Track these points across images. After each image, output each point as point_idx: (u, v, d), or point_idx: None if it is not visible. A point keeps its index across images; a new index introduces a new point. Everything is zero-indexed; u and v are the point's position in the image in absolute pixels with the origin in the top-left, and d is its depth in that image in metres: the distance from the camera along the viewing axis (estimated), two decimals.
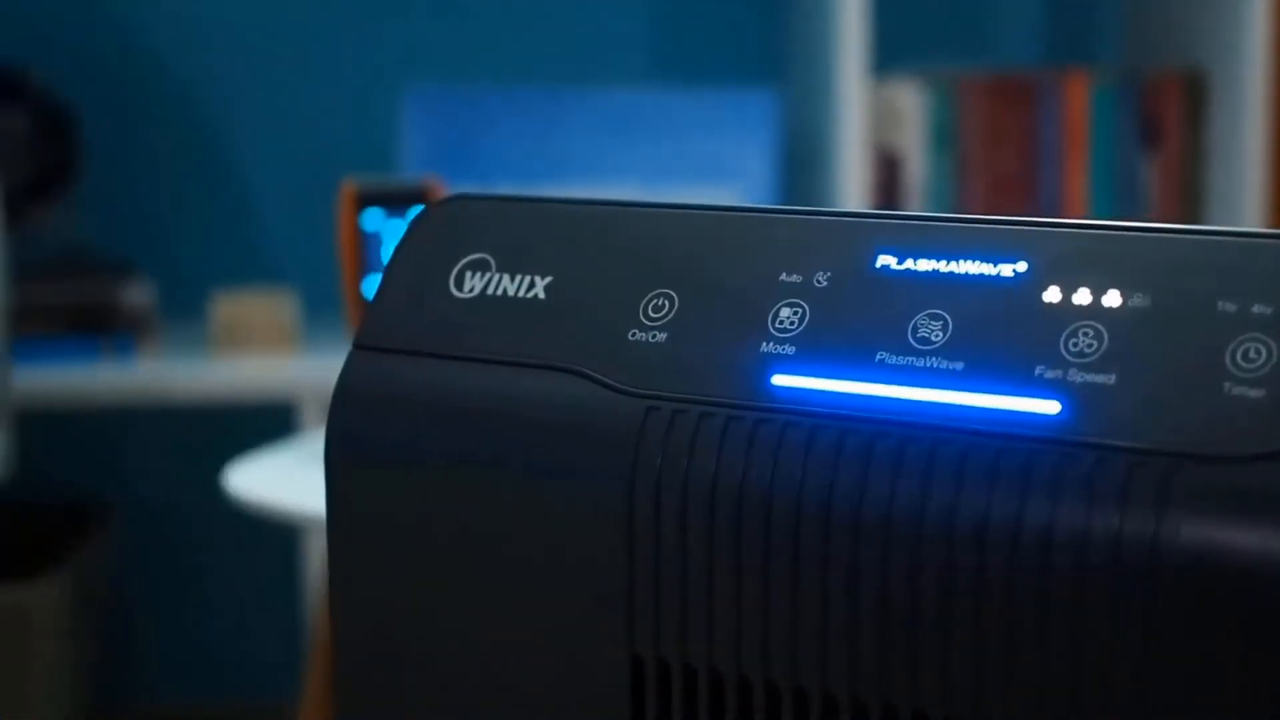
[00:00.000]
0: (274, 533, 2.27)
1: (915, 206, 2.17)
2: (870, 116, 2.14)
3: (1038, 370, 0.49)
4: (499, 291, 0.58)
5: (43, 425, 2.26)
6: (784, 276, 0.54)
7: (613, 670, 0.54)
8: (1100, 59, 2.48)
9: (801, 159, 2.29)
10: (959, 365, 0.50)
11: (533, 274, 0.58)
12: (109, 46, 2.40)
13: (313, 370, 2.08)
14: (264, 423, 2.22)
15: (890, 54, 2.21)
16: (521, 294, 0.58)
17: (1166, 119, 2.21)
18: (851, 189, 2.10)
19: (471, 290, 0.59)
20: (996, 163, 2.21)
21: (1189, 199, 2.22)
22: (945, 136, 2.19)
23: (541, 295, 0.57)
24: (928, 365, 0.50)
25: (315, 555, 2.09)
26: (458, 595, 0.57)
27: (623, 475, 0.53)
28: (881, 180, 2.19)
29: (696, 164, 2.21)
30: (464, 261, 0.60)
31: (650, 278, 0.56)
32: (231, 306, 2.17)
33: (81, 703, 2.21)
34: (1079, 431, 0.47)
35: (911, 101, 2.18)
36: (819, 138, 2.21)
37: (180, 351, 2.19)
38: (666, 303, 0.55)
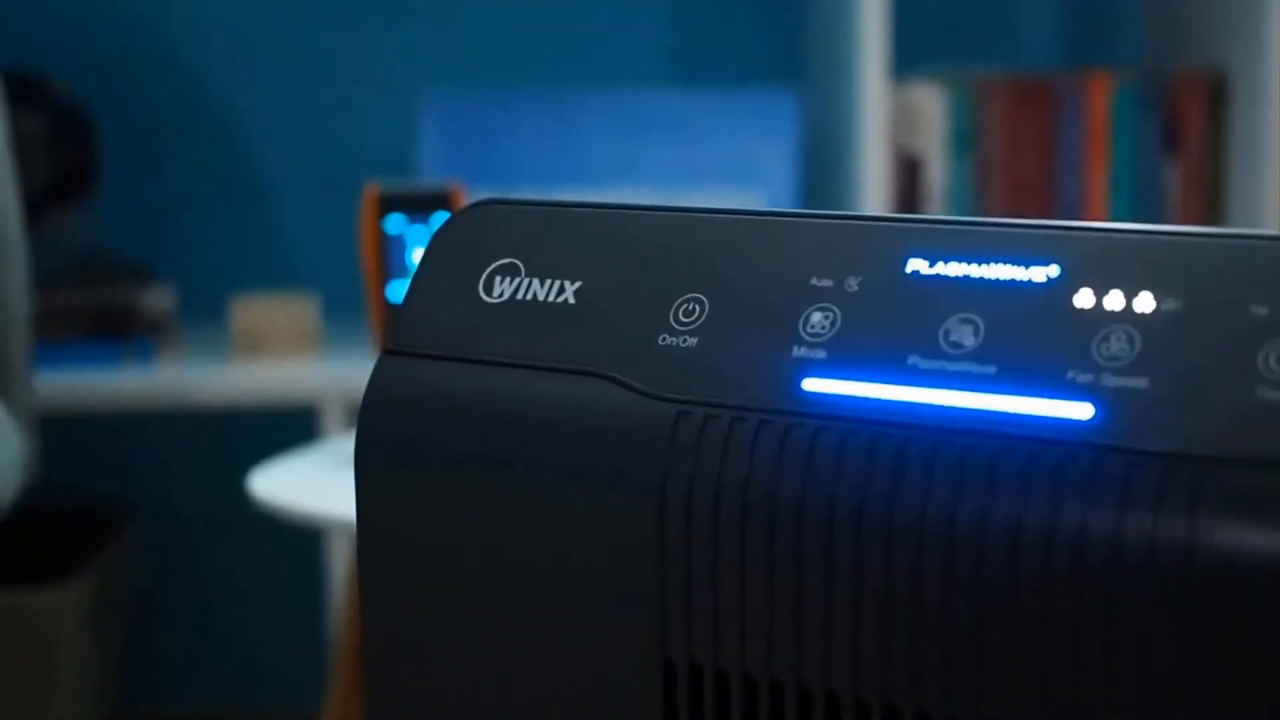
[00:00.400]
0: (296, 537, 2.28)
1: (936, 209, 2.17)
2: (891, 119, 2.13)
3: (1070, 374, 0.49)
4: (528, 296, 0.58)
5: (64, 430, 2.26)
6: (814, 281, 0.54)
7: (645, 675, 0.54)
8: (1120, 61, 2.47)
9: (821, 161, 2.29)
10: (991, 369, 0.50)
11: (562, 279, 0.58)
12: (128, 51, 2.40)
13: (334, 374, 2.08)
14: (285, 427, 2.22)
15: (910, 56, 2.21)
16: (551, 299, 0.58)
17: (1188, 121, 2.21)
18: (872, 191, 2.10)
19: (501, 295, 0.59)
20: (1017, 164, 2.20)
21: (1210, 201, 2.22)
22: (966, 138, 2.19)
23: (571, 300, 0.57)
24: (959, 369, 0.50)
25: (338, 559, 2.09)
26: (488, 600, 0.57)
27: (654, 480, 0.53)
28: (902, 183, 2.18)
29: (716, 167, 2.21)
30: (493, 266, 0.60)
31: (680, 282, 0.56)
32: (252, 311, 2.18)
33: (104, 707, 2.21)
34: (1111, 435, 0.47)
35: (932, 104, 2.17)
36: (839, 140, 2.21)
37: (200, 356, 2.19)
38: (697, 307, 0.55)
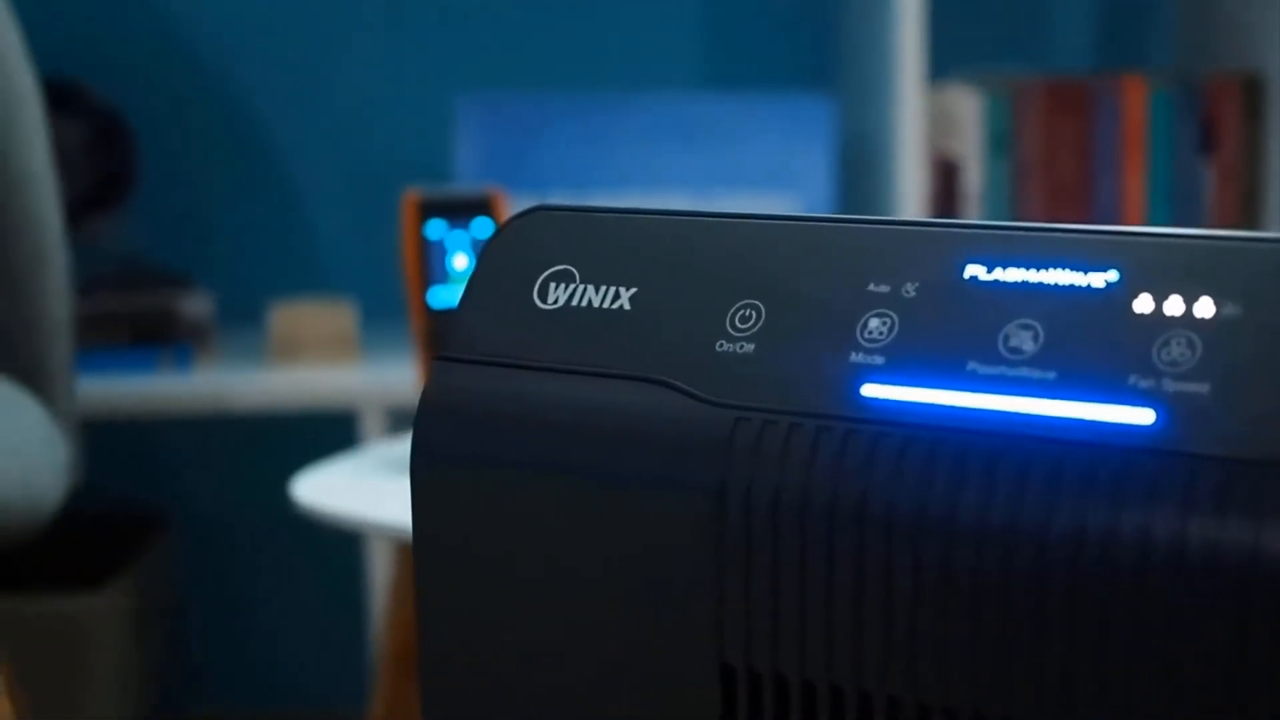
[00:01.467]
0: (334, 542, 2.28)
1: (973, 212, 2.17)
2: (927, 122, 2.13)
3: (1131, 379, 0.48)
4: (583, 302, 0.59)
5: (102, 436, 2.27)
6: (872, 286, 0.54)
7: (703, 680, 0.54)
8: (1153, 63, 2.47)
9: (857, 165, 2.29)
10: (1051, 375, 0.50)
11: (617, 285, 0.58)
12: (164, 59, 2.41)
13: (372, 379, 2.09)
14: (323, 433, 2.22)
15: (944, 59, 2.21)
16: (606, 305, 0.58)
17: (1224, 123, 2.20)
18: (909, 195, 2.10)
19: (555, 301, 0.59)
20: (1053, 167, 2.20)
21: (1247, 204, 2.21)
22: (1002, 141, 2.19)
23: (626, 306, 0.58)
24: (1019, 375, 0.50)
25: (378, 565, 2.10)
26: (544, 606, 0.57)
27: (712, 486, 0.53)
28: (938, 186, 2.18)
29: (752, 171, 2.21)
30: (547, 273, 0.60)
31: (737, 288, 0.56)
32: (289, 316, 2.18)
33: (141, 712, 2.21)
34: (1174, 441, 0.47)
35: (968, 106, 2.17)
36: (875, 144, 2.21)
37: (239, 362, 2.20)
38: (753, 313, 0.55)
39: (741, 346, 0.55)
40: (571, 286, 0.59)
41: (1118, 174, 2.20)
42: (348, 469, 1.42)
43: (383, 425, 2.05)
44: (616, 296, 0.58)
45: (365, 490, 1.34)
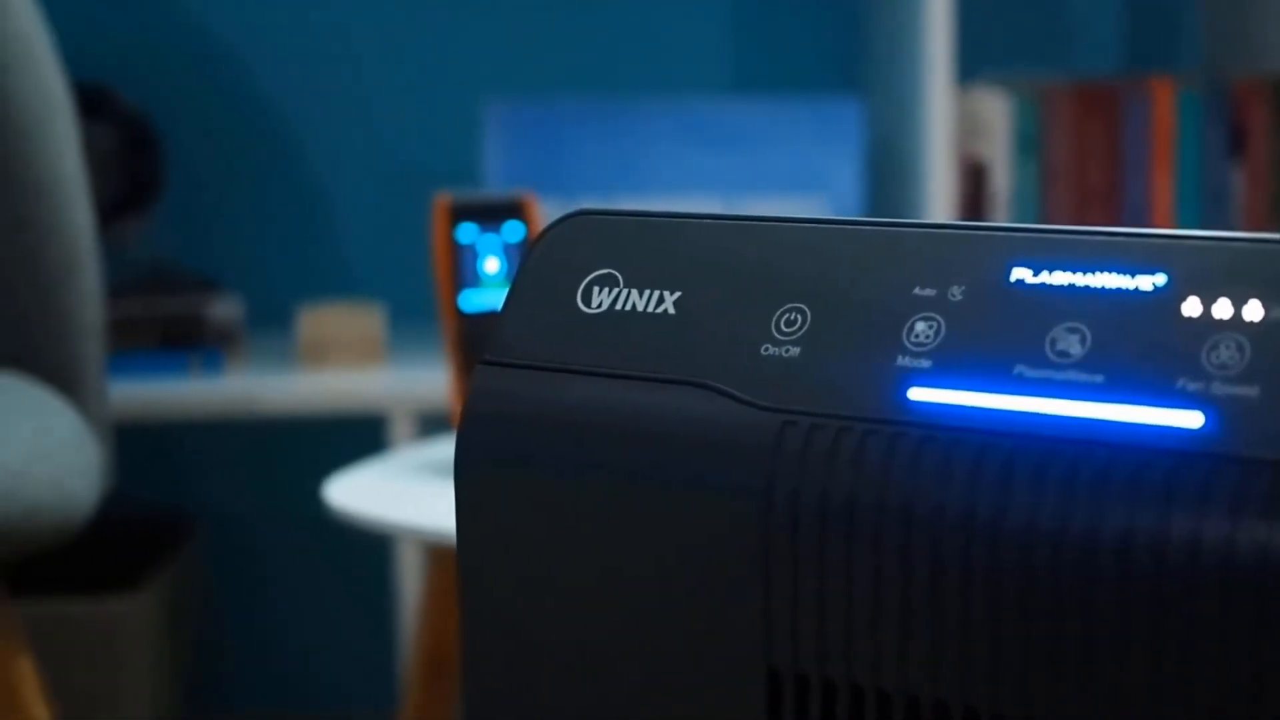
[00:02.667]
0: (363, 545, 2.29)
1: (1002, 215, 2.17)
2: (956, 125, 2.13)
3: (1180, 383, 0.48)
4: (627, 306, 0.59)
5: (131, 439, 2.27)
6: (918, 290, 0.54)
7: (749, 685, 0.54)
8: (1182, 66, 2.46)
9: (886, 168, 2.28)
10: (1099, 378, 0.50)
11: (661, 289, 0.58)
12: (192, 63, 2.42)
13: (401, 383, 2.09)
14: (352, 436, 2.23)
15: (973, 62, 2.21)
16: (650, 309, 0.58)
17: (1252, 126, 2.20)
18: (938, 198, 2.10)
19: (599, 305, 0.59)
20: (1082, 170, 2.20)
21: (1276, 206, 2.20)
22: (1030, 144, 2.19)
23: (671, 310, 0.58)
24: (1067, 378, 0.50)
25: (407, 568, 2.10)
26: (589, 610, 0.57)
27: (759, 490, 0.53)
28: (967, 189, 2.18)
29: (781, 174, 2.21)
30: (591, 277, 0.60)
31: (781, 292, 0.56)
32: (317, 320, 2.18)
33: (171, 715, 2.22)
34: (1224, 444, 0.47)
35: (997, 109, 2.17)
36: (904, 146, 2.20)
37: (268, 365, 2.20)
38: (799, 317, 0.55)
39: (787, 350, 0.55)
40: (615, 291, 0.59)
41: (1146, 177, 2.20)
42: (381, 472, 1.43)
43: (411, 428, 2.06)
44: (661, 301, 0.58)
45: (398, 493, 1.34)
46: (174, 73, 2.41)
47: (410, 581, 2.10)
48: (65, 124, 1.49)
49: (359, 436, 2.20)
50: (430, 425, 2.11)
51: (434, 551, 1.53)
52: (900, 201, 2.23)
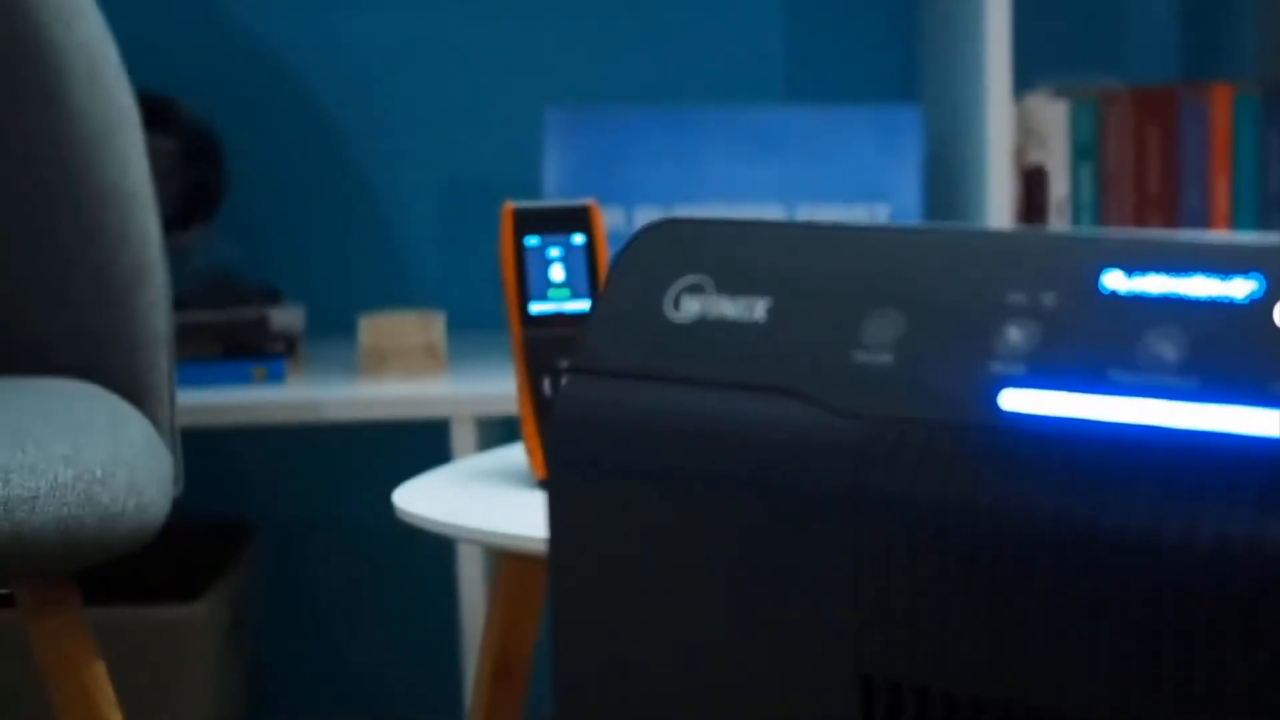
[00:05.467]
0: (426, 552, 2.30)
1: (1061, 221, 2.16)
2: (1014, 132, 2.13)
3: (1274, 388, 0.49)
4: (717, 314, 0.59)
5: (195, 447, 2.29)
6: (1010, 296, 0.54)
7: (841, 691, 0.55)
8: (1237, 71, 2.46)
9: (944, 175, 2.28)
10: (1193, 383, 0.50)
11: (751, 296, 0.59)
12: (255, 74, 2.43)
13: (463, 390, 2.10)
14: (414, 443, 2.24)
15: (1030, 69, 2.21)
16: (741, 316, 0.59)
17: None
18: (996, 205, 2.10)
19: (689, 313, 0.60)
20: (1140, 176, 2.19)
21: None
22: (1088, 150, 2.18)
23: (762, 317, 0.58)
24: (1160, 384, 0.50)
25: (470, 575, 2.11)
26: (681, 616, 0.58)
27: (849, 496, 0.53)
28: (1025, 196, 2.18)
29: (842, 183, 2.21)
30: (679, 285, 0.61)
31: (871, 298, 0.56)
32: (378, 328, 2.19)
33: None
34: None
35: (1054, 116, 2.17)
36: (962, 154, 2.20)
37: (329, 373, 2.21)
38: (889, 324, 0.56)
39: (878, 356, 0.55)
40: (705, 298, 0.60)
41: (1204, 182, 2.19)
42: (449, 478, 1.43)
43: (472, 436, 2.06)
44: (751, 308, 0.59)
45: (469, 499, 1.34)
46: (237, 83, 2.43)
47: (472, 588, 2.10)
48: (133, 135, 1.51)
49: (419, 444, 2.21)
50: (491, 433, 2.11)
51: (503, 557, 1.53)
52: (958, 209, 2.23)
